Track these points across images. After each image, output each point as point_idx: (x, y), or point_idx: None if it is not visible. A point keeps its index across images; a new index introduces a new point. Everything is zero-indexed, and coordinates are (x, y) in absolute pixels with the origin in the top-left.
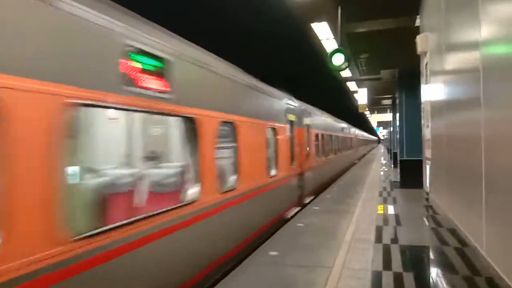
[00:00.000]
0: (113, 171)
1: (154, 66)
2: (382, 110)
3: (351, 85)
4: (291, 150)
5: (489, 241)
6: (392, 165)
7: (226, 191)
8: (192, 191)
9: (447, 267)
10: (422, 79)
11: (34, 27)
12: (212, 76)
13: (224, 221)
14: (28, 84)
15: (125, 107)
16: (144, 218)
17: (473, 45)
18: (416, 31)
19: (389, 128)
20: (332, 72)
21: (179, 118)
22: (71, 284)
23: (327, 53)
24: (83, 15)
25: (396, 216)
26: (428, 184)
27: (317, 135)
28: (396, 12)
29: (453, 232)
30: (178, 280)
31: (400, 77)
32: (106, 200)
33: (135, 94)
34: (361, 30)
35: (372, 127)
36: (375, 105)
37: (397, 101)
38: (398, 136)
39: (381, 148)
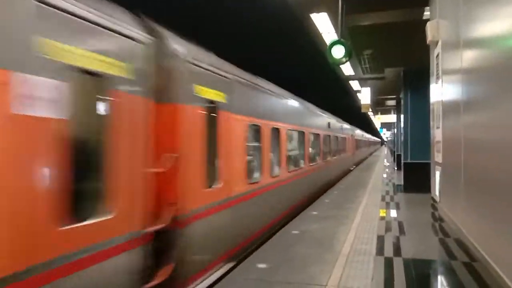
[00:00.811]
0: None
1: None
2: (386, 111)
3: (354, 85)
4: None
5: None
6: (396, 168)
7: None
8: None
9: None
10: (432, 74)
11: None
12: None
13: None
14: None
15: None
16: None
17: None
18: (424, 25)
19: (392, 130)
20: (332, 66)
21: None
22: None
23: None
24: None
25: (400, 224)
26: (437, 192)
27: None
28: (402, 2)
29: (466, 248)
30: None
31: (406, 76)
32: None
33: None
34: (364, 23)
35: (376, 129)
36: (379, 106)
37: (402, 101)
38: (402, 138)
39: (384, 150)
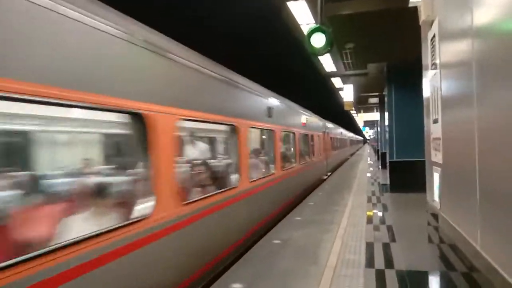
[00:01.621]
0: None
1: None
2: (368, 109)
3: (336, 82)
4: None
5: None
6: (380, 166)
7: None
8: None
9: None
10: (426, 60)
11: None
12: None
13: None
14: None
15: None
16: None
17: None
18: (409, 13)
19: (375, 128)
20: (312, 57)
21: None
22: None
23: (305, 35)
24: None
25: (389, 228)
26: (436, 197)
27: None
28: None
29: (463, 257)
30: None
31: (389, 71)
32: None
33: None
34: (344, 11)
35: (359, 128)
36: (361, 104)
37: (386, 98)
38: (387, 135)
39: (367, 148)
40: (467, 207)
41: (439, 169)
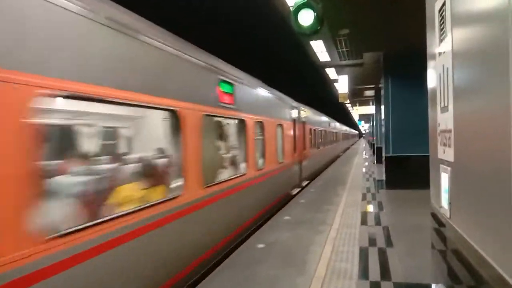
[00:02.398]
0: None
1: None
2: (364, 102)
3: (331, 73)
4: None
5: None
6: (375, 161)
7: None
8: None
9: None
10: (432, 40)
11: None
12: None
13: None
14: None
15: None
16: None
17: None
18: None
19: (371, 122)
20: (302, 38)
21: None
22: None
23: (291, 12)
24: None
25: (386, 230)
26: (445, 204)
27: None
28: None
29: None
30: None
31: (386, 61)
32: None
33: None
34: None
35: (355, 122)
36: (357, 97)
37: (382, 90)
38: (383, 129)
39: (363, 143)
40: (494, 223)
41: (449, 168)
